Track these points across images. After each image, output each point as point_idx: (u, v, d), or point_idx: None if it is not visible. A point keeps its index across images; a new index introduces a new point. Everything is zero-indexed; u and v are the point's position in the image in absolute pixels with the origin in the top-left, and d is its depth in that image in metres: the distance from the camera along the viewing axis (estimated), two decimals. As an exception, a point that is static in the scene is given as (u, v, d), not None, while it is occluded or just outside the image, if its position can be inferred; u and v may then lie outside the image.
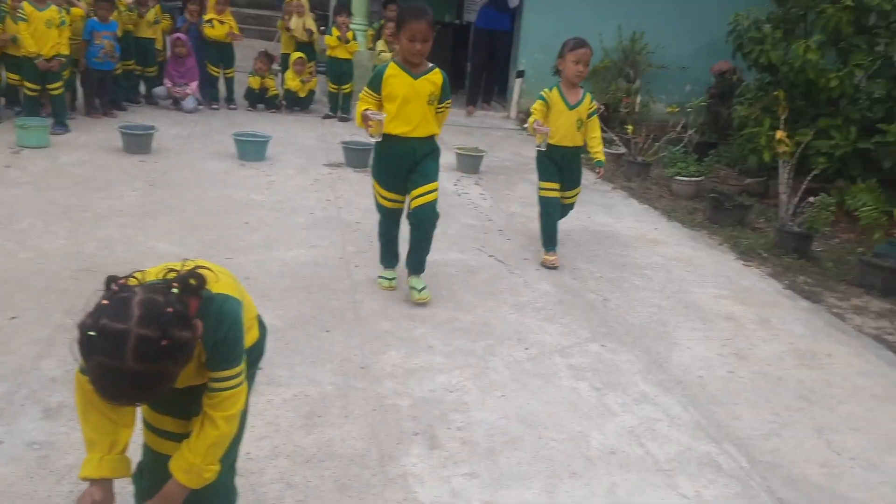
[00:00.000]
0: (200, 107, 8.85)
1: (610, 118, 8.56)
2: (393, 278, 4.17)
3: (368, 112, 3.72)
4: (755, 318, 4.33)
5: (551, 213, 4.75)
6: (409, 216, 3.93)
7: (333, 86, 8.91)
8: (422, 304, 3.94)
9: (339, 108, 9.00)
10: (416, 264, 4.03)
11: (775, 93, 6.24)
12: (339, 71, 8.81)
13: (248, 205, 5.44)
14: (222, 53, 8.85)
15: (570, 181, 4.83)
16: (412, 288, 3.98)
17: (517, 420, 3.02)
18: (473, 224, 5.51)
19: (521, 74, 9.38)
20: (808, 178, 5.67)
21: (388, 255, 4.19)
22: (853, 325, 4.46)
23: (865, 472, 2.92)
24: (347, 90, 8.88)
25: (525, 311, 4.08)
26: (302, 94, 9.03)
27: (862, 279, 5.12)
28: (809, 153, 6.28)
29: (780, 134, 5.68)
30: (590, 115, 4.73)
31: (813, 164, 6.20)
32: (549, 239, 4.77)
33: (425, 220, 3.89)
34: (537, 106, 4.59)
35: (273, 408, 2.91)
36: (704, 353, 3.81)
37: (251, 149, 6.70)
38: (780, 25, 6.89)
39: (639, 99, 7.99)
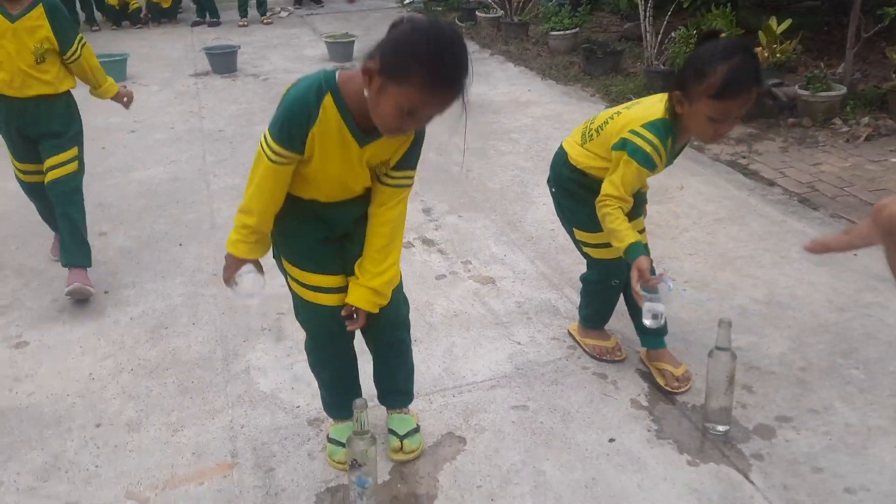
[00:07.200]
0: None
1: (487, -20, 8.31)
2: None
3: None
4: (614, 164, 4.44)
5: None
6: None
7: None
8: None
9: (207, 11, 8.55)
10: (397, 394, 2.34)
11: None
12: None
13: (106, 129, 5.25)
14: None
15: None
16: (392, 434, 2.25)
17: (366, 299, 3.11)
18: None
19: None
20: (669, 13, 5.65)
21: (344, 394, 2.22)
22: (710, 154, 4.61)
23: (696, 292, 3.12)
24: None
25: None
26: (166, 4, 8.54)
27: (725, 108, 5.24)
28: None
29: (634, -30, 5.61)
30: None
31: (680, -1, 6.18)
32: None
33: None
34: (626, 190, 2.25)
35: (119, 327, 2.95)
36: (560, 206, 3.92)
37: (109, 70, 6.36)
38: None
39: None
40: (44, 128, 3.11)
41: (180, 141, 4.99)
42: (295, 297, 2.11)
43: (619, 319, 2.87)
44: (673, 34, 5.48)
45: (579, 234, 2.55)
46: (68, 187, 3.12)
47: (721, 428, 2.32)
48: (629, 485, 2.12)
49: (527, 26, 7.36)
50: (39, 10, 2.96)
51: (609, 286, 2.60)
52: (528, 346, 2.78)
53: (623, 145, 2.22)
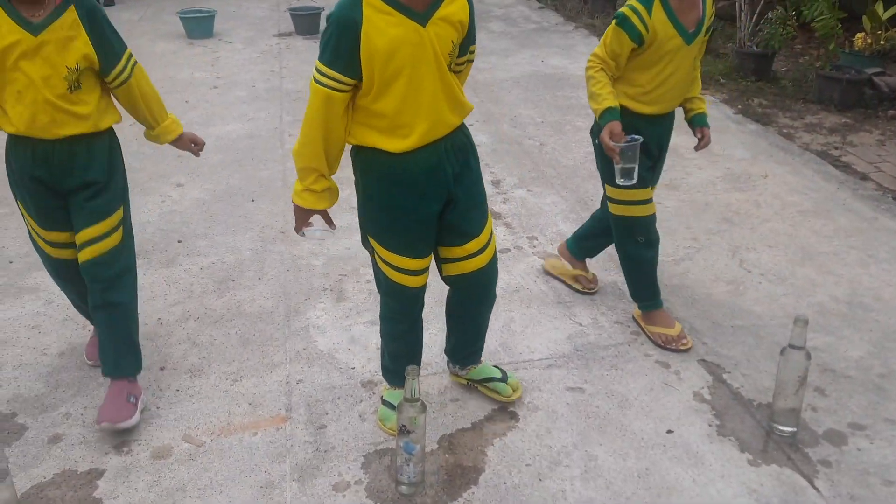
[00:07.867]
0: (154, -13, 8.54)
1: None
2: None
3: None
4: (695, 147, 4.27)
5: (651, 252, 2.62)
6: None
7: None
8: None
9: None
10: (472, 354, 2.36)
11: None
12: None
13: (191, 83, 5.38)
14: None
15: (659, 170, 2.73)
16: (494, 379, 2.33)
17: (429, 267, 3.11)
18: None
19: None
20: (768, -7, 5.36)
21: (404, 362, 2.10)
22: (800, 143, 4.38)
23: (772, 286, 2.97)
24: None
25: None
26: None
27: (820, 95, 4.96)
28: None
29: (732, -53, 5.33)
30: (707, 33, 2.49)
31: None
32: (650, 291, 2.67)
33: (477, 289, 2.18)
34: (607, 51, 2.37)
35: (189, 276, 3.03)
36: (635, 187, 3.79)
37: (197, 26, 6.52)
38: None
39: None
40: (78, 179, 2.14)
41: (259, 99, 5.06)
42: (378, 271, 2.09)
43: (688, 308, 2.78)
44: (769, 15, 5.20)
45: (608, 190, 2.59)
46: (113, 270, 2.20)
47: (788, 429, 2.21)
48: (684, 478, 2.05)
49: (615, 0, 7.13)
50: (72, 16, 2.02)
51: (635, 244, 2.59)
52: (590, 328, 2.71)
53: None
